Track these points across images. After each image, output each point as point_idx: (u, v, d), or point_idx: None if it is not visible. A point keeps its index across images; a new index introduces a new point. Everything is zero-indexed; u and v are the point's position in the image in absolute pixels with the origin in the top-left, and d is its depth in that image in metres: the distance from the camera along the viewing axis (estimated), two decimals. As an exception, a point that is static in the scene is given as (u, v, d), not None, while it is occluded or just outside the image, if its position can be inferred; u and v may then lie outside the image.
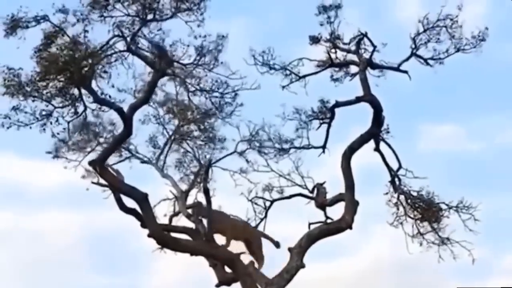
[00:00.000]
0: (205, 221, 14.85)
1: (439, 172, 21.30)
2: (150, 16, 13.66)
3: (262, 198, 15.93)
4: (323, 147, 15.66)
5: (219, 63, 14.65)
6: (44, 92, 13.08)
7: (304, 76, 15.90)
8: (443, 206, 15.44)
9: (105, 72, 13.32)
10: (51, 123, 13.54)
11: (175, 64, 14.61)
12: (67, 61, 12.64)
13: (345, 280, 20.17)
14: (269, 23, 21.32)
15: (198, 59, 14.61)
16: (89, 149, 16.38)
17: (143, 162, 17.05)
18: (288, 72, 15.90)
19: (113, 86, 13.63)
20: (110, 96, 13.57)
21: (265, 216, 15.88)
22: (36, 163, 22.94)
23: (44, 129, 13.59)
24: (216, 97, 15.79)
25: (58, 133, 13.98)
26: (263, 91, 15.75)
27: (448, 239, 15.42)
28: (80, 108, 13.60)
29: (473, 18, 15.42)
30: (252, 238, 15.35)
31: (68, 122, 13.82)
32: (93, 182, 15.53)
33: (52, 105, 13.44)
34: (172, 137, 17.14)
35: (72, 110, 13.44)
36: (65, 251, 24.87)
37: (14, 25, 13.02)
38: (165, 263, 18.83)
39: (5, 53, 13.77)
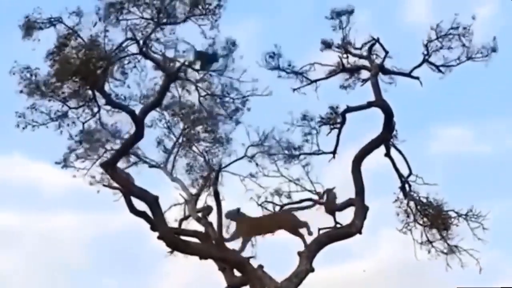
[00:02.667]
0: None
1: (448, 175, 21.31)
2: (164, 20, 13.72)
3: (272, 202, 15.96)
4: (334, 152, 15.67)
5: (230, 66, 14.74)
6: (60, 92, 13.14)
7: (315, 81, 15.92)
8: (453, 214, 15.44)
9: (123, 73, 13.35)
10: (68, 125, 13.64)
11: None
12: (81, 63, 12.70)
13: (353, 284, 20.08)
14: (281, 27, 21.39)
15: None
16: (96, 157, 16.36)
17: (151, 166, 17.05)
18: (299, 75, 15.93)
19: (128, 86, 13.65)
20: (125, 98, 13.64)
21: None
22: (47, 165, 23.00)
23: (61, 131, 13.70)
24: (227, 102, 15.88)
25: (76, 135, 14.02)
26: (274, 97, 15.81)
27: (456, 247, 15.42)
28: (95, 110, 13.70)
29: (482, 20, 15.45)
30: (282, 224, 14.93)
31: (83, 123, 13.91)
32: (104, 185, 15.63)
33: (67, 105, 13.54)
34: (180, 140, 17.14)
35: (87, 111, 13.52)
36: (75, 253, 24.99)
37: (29, 26, 13.10)
38: (174, 267, 18.84)
39: (21, 54, 13.92)
